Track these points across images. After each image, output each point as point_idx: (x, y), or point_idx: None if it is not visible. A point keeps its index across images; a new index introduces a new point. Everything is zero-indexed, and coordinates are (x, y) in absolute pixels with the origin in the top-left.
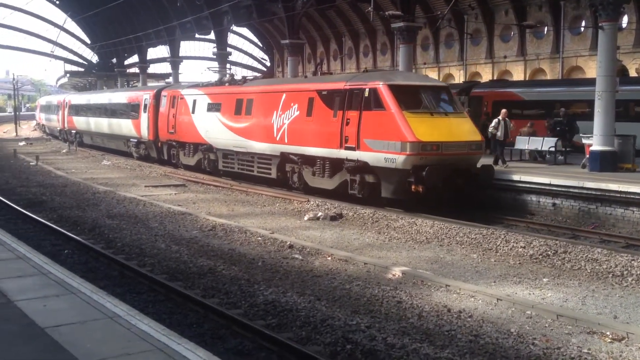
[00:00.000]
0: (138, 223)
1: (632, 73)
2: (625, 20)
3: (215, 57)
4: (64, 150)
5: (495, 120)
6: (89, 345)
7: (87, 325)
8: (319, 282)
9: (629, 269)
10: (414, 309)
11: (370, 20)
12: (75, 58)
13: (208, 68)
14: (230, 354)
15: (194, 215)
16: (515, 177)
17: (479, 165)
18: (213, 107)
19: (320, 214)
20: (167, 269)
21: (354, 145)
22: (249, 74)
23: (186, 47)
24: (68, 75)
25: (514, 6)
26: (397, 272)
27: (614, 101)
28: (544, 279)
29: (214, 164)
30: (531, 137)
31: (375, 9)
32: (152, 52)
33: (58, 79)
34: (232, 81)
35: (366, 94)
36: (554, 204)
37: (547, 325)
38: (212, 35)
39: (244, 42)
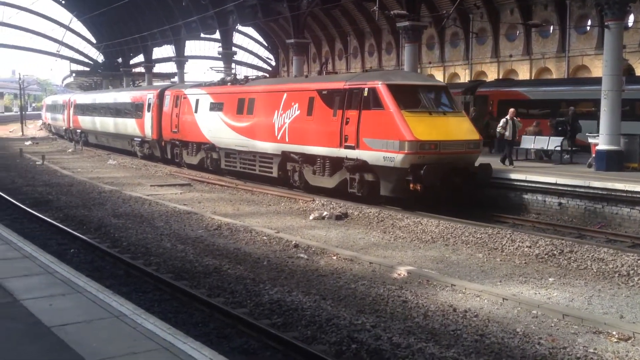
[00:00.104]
0: (144, 222)
1: (638, 72)
2: (631, 19)
3: (220, 56)
4: (70, 150)
5: (503, 120)
6: (95, 344)
7: (93, 324)
8: (325, 281)
9: (635, 268)
10: (420, 309)
11: (376, 20)
12: (81, 58)
13: (211, 68)
14: (236, 353)
15: (200, 215)
16: (521, 177)
17: (479, 164)
18: (215, 107)
19: (325, 213)
20: (173, 268)
21: (353, 144)
22: (254, 73)
23: (191, 47)
24: (74, 74)
25: (520, 5)
26: (402, 271)
27: (620, 100)
28: (550, 279)
29: (217, 163)
30: (537, 137)
31: (380, 8)
32: (158, 52)
33: (64, 79)
34: (235, 81)
35: (365, 93)
36: (560, 204)
37: (553, 324)
38: (217, 35)
39: (249, 41)
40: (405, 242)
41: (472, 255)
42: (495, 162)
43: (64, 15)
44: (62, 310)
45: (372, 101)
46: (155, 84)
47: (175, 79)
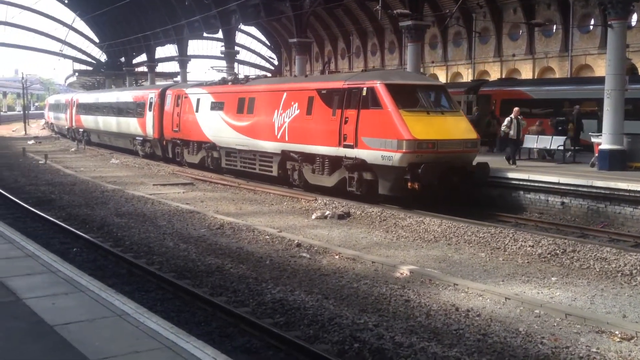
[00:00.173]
0: (146, 221)
1: None
2: (634, 18)
3: (223, 55)
4: (73, 149)
5: (507, 119)
6: (98, 343)
7: (96, 323)
8: (327, 280)
9: (638, 267)
10: (422, 308)
11: (378, 19)
12: (84, 57)
13: (212, 67)
14: (239, 352)
15: (202, 214)
16: (524, 176)
17: (476, 163)
18: (216, 106)
19: (327, 212)
20: (175, 267)
21: (352, 143)
22: (257, 72)
23: (194, 46)
24: (77, 74)
25: (523, 4)
26: (404, 270)
27: (623, 100)
28: (553, 278)
29: (217, 161)
30: (539, 136)
31: (383, 7)
32: (160, 51)
33: (67, 78)
34: (235, 80)
35: (364, 92)
36: (562, 203)
37: (555, 324)
38: (220, 34)
39: (251, 40)
40: (407, 242)
41: (474, 255)
42: (497, 161)
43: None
44: (65, 309)
45: (371, 100)
46: (157, 83)
47: (178, 78)
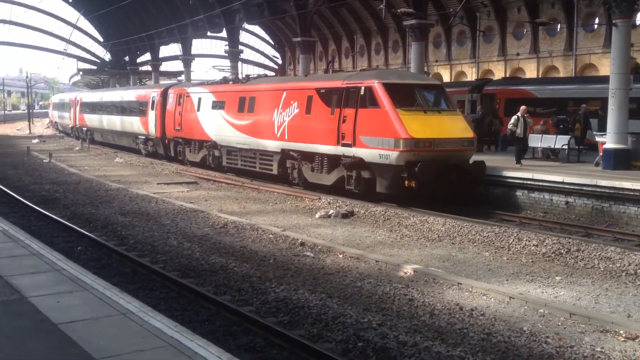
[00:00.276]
0: (150, 220)
1: None
2: (639, 17)
3: (227, 54)
4: (77, 148)
5: (514, 117)
6: (102, 341)
7: (100, 321)
8: (331, 279)
9: None
10: (426, 307)
11: (382, 18)
12: (88, 56)
13: (213, 66)
14: (242, 350)
15: (206, 213)
16: (528, 175)
17: (473, 162)
18: (217, 105)
19: (331, 211)
20: (179, 266)
21: (350, 142)
22: (261, 71)
23: (198, 45)
24: (81, 73)
25: (527, 3)
26: (408, 270)
27: (628, 99)
28: (557, 277)
29: (218, 160)
30: (544, 135)
31: (387, 6)
32: (164, 50)
33: (71, 77)
34: (236, 79)
35: (362, 92)
36: (567, 202)
37: (559, 323)
38: (224, 33)
39: (255, 39)
40: (411, 241)
41: (478, 254)
42: (499, 160)
43: (71, 14)
44: (69, 307)
45: (369, 100)
46: (161, 82)
47: (182, 77)
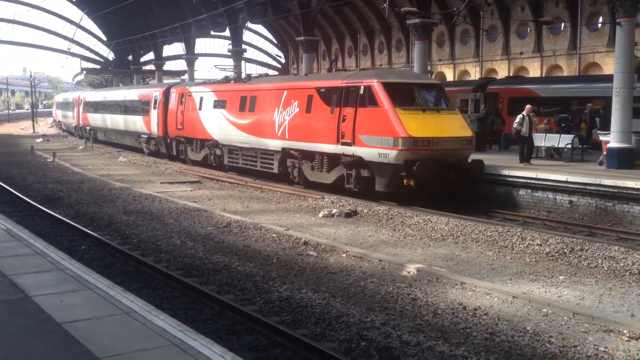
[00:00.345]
0: (154, 219)
1: None
2: None
3: (230, 54)
4: (81, 147)
5: (519, 116)
6: (106, 340)
7: (104, 320)
8: (334, 279)
9: None
10: (429, 307)
11: (386, 17)
12: (92, 55)
13: (215, 66)
14: (246, 350)
15: (209, 212)
16: (532, 174)
17: (471, 160)
18: (219, 104)
19: (334, 210)
20: (183, 265)
21: (349, 141)
22: (264, 70)
23: (201, 44)
24: (84, 72)
25: (531, 2)
26: (412, 269)
27: (632, 98)
28: (561, 277)
29: (220, 159)
30: (547, 134)
31: (390, 5)
32: (168, 49)
33: (74, 76)
34: (237, 79)
35: (361, 91)
36: (570, 202)
37: (563, 323)
38: (227, 32)
39: (259, 39)
40: (414, 240)
41: (482, 253)
42: (502, 159)
43: (75, 13)
44: (73, 306)
45: (368, 99)
46: (165, 81)
47: (185, 76)
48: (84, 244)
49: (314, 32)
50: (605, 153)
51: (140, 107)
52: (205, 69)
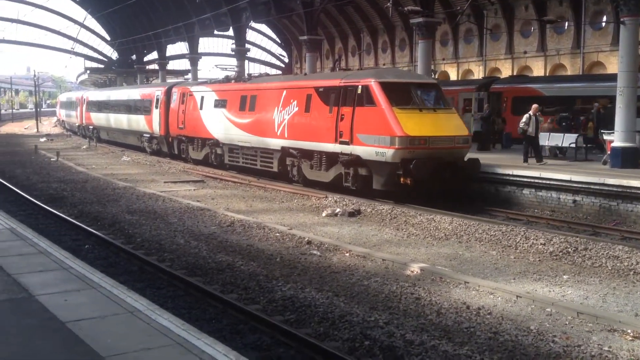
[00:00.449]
0: (157, 219)
1: None
2: None
3: (233, 53)
4: (84, 147)
5: (526, 116)
6: (110, 339)
7: (108, 319)
8: (337, 278)
9: None
10: (433, 306)
11: (389, 16)
12: (95, 55)
13: (216, 65)
14: (249, 349)
15: (213, 211)
16: (536, 174)
17: (467, 159)
18: (219, 104)
19: (338, 210)
20: (186, 264)
21: (347, 140)
22: (267, 70)
23: (205, 44)
24: (88, 71)
25: (534, 1)
26: (415, 268)
27: (636, 97)
28: (564, 276)
29: (221, 158)
30: (551, 133)
31: (394, 4)
32: (171, 49)
33: (78, 76)
34: (238, 78)
35: (359, 90)
36: (574, 201)
37: (567, 322)
38: (230, 32)
39: (262, 38)
40: (418, 239)
41: (485, 253)
42: (504, 159)
43: (79, 13)
44: (77, 305)
45: (366, 98)
46: (168, 80)
47: (189, 75)
48: (88, 243)
49: (317, 31)
50: (609, 152)
51: (142, 107)
52: (208, 68)
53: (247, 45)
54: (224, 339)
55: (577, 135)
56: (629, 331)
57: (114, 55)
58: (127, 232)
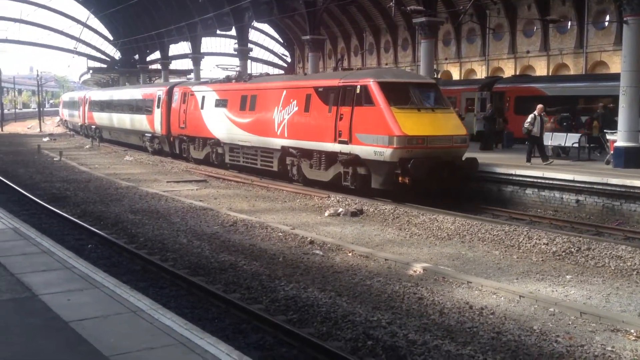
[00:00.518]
0: (160, 218)
1: None
2: None
3: (236, 53)
4: (87, 146)
5: (531, 116)
6: (113, 339)
7: (111, 319)
8: (340, 278)
9: None
10: (436, 306)
11: (392, 16)
12: (98, 54)
13: (217, 65)
14: (252, 348)
15: (216, 211)
16: (539, 174)
17: (465, 158)
18: (220, 103)
19: (340, 210)
20: (189, 263)
21: (346, 139)
22: (270, 70)
23: (207, 43)
24: (91, 71)
25: (537, 0)
26: (418, 268)
27: (639, 96)
28: (567, 276)
29: (221, 157)
30: (554, 133)
31: (396, 4)
32: (174, 49)
33: (81, 75)
34: (238, 78)
35: (358, 90)
36: (577, 201)
37: (570, 322)
38: (233, 32)
39: (264, 38)
40: (420, 239)
41: (488, 253)
42: (506, 158)
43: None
44: (80, 305)
45: (364, 98)
46: (171, 80)
47: (192, 75)
48: (91, 243)
49: (320, 31)
50: (612, 152)
51: (144, 106)
52: (211, 68)
53: (250, 45)
54: (226, 339)
55: (580, 135)
56: (632, 331)
57: (117, 55)
58: (130, 231)
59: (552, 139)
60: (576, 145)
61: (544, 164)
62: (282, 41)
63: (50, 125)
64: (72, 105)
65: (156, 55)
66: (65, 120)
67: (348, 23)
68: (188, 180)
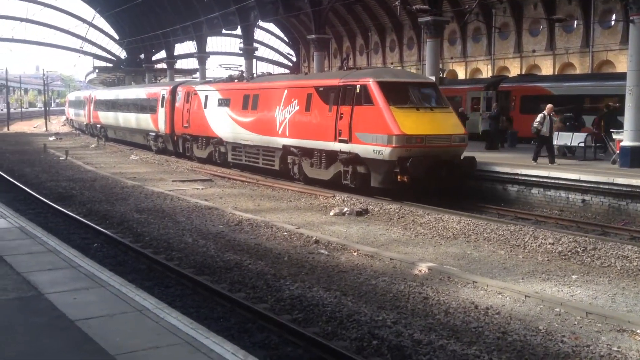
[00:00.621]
0: (165, 217)
1: None
2: None
3: (241, 52)
4: (93, 145)
5: (540, 116)
6: (118, 338)
7: (116, 318)
8: (345, 277)
9: None
10: (441, 306)
11: (397, 15)
12: (104, 54)
13: (220, 65)
14: (257, 347)
15: (221, 210)
16: (544, 173)
17: (463, 157)
18: (223, 103)
19: (345, 209)
20: (194, 263)
21: (346, 138)
22: (275, 69)
23: (213, 43)
24: (97, 70)
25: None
26: (423, 268)
27: None
28: (573, 276)
29: (224, 156)
30: (560, 133)
31: (402, 3)
32: (180, 48)
33: (87, 75)
34: (241, 78)
35: (357, 90)
36: (583, 200)
37: (576, 322)
38: (238, 31)
39: (270, 37)
40: (426, 239)
41: (494, 252)
42: (508, 158)
43: (87, 12)
44: (86, 304)
45: (364, 97)
46: (177, 79)
47: (197, 74)
48: (97, 242)
49: (325, 30)
50: (618, 151)
51: (148, 106)
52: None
53: (255, 44)
54: (232, 338)
55: (586, 134)
56: (639, 331)
57: (123, 54)
58: (135, 230)
59: (558, 139)
60: (582, 144)
61: (551, 165)
62: (287, 40)
63: (56, 124)
64: (77, 104)
65: (162, 54)
66: (71, 120)
67: (353, 22)
68: (193, 179)
